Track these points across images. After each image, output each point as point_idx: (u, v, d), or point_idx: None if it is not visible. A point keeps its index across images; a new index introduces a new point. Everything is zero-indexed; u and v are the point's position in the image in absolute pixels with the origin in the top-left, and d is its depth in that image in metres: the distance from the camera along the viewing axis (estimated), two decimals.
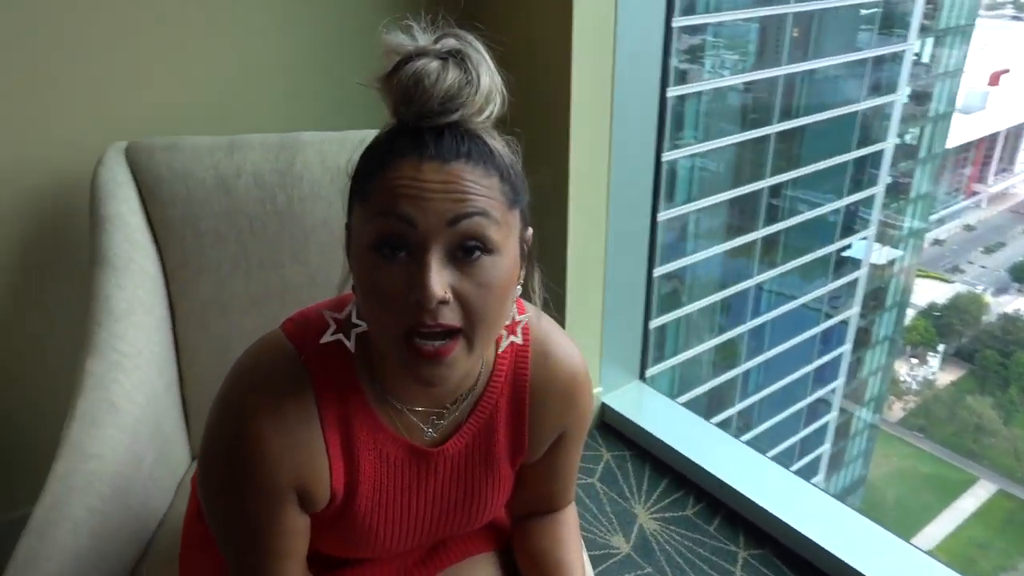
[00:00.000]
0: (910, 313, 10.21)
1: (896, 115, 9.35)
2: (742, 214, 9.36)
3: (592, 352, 1.74)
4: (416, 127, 0.62)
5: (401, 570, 0.89)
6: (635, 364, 1.86)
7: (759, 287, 9.52)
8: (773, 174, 9.16)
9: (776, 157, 9.15)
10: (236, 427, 0.69)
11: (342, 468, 0.73)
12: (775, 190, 9.32)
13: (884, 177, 9.53)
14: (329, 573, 0.85)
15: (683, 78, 8.57)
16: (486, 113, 0.64)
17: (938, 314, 9.92)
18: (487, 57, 0.63)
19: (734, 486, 1.53)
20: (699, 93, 8.77)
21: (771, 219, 9.40)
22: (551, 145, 1.53)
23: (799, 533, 1.43)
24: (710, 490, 1.59)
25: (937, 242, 10.32)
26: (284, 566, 0.75)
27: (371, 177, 0.62)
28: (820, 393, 9.66)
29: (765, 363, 9.39)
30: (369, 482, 0.75)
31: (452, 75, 0.60)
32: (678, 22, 7.72)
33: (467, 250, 0.61)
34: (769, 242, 9.46)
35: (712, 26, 8.92)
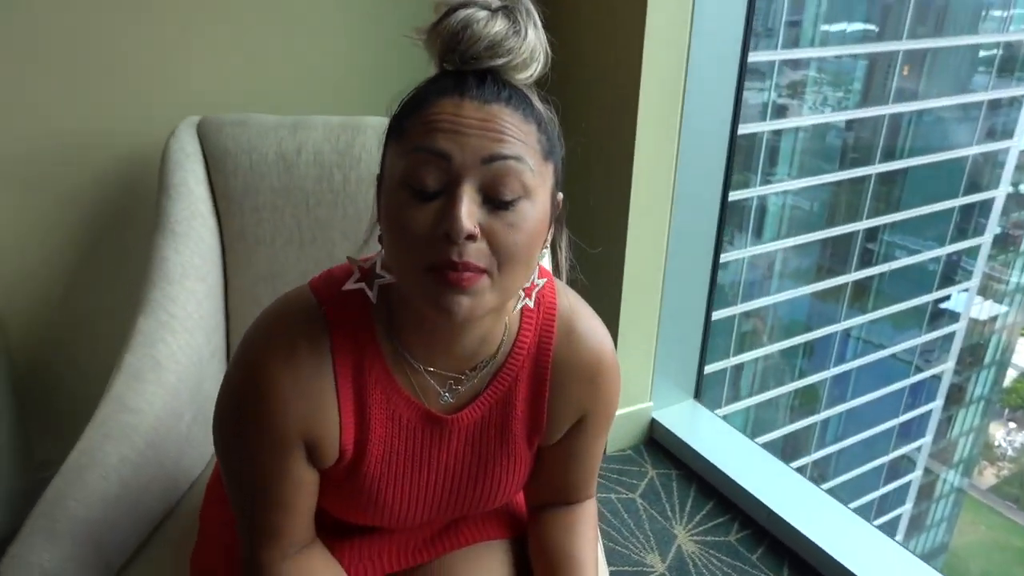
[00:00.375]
0: (1011, 374, 9.59)
1: (1011, 162, 8.84)
2: (834, 256, 9.02)
3: (643, 364, 1.69)
4: (460, 71, 0.62)
5: (410, 546, 0.87)
6: (690, 381, 1.80)
7: (847, 333, 9.13)
8: (870, 217, 8.80)
9: (875, 200, 8.79)
10: (249, 371, 0.70)
11: (352, 425, 0.73)
12: (871, 234, 8.95)
13: (993, 227, 9.02)
14: (338, 540, 0.85)
15: (782, 113, 8.38)
16: (529, 71, 0.64)
17: None
18: (536, 16, 0.63)
19: (782, 515, 1.45)
20: (796, 129, 8.54)
21: (865, 263, 9.02)
22: (614, 164, 1.51)
23: (849, 571, 1.34)
24: (756, 518, 1.51)
25: None
26: (290, 520, 0.74)
27: (409, 114, 0.62)
28: (904, 450, 9.15)
29: (847, 413, 8.98)
30: (379, 443, 0.74)
31: (500, 23, 0.61)
32: (779, 55, 7.56)
33: (500, 191, 0.60)
34: (861, 287, 9.07)
35: (816, 61, 8.69)
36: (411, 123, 0.61)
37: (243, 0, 1.39)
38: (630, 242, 1.55)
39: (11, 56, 1.26)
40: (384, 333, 0.72)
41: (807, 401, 9.02)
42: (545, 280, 0.74)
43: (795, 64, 8.47)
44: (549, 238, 0.69)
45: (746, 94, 1.65)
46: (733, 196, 1.71)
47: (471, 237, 0.59)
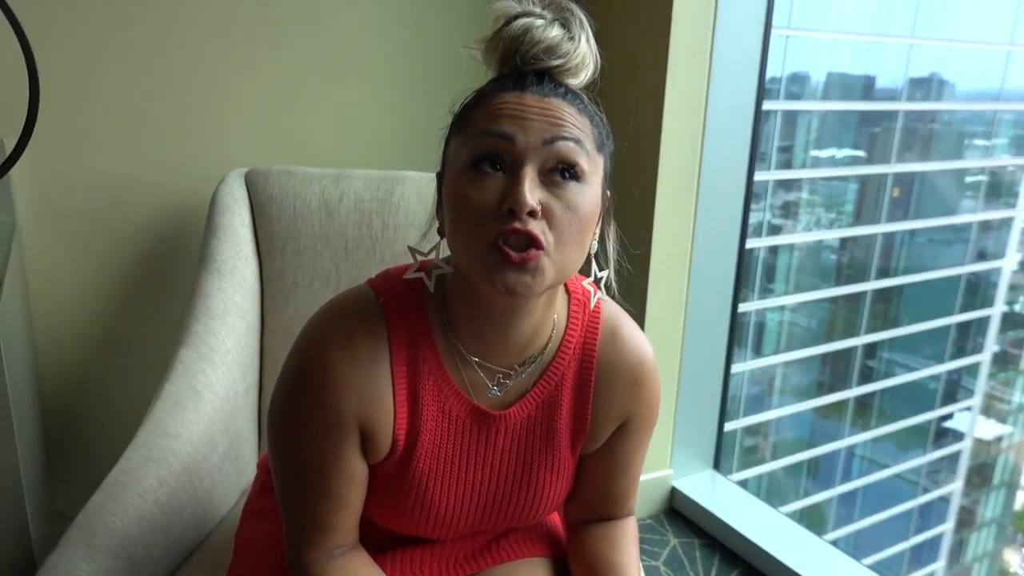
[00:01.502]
0: (1020, 496, 9.35)
1: (1004, 282, 9.02)
2: (834, 373, 9.01)
3: (663, 432, 1.69)
4: (519, 71, 0.69)
5: (451, 560, 0.87)
6: (708, 451, 1.79)
7: (850, 452, 8.99)
8: (868, 334, 8.87)
9: (872, 317, 8.89)
10: (308, 356, 0.72)
11: (405, 415, 0.74)
12: (871, 351, 8.99)
13: (991, 345, 9.07)
14: (380, 553, 0.84)
15: (776, 233, 8.61)
16: (581, 76, 0.71)
17: None
18: (588, 26, 0.71)
19: None
20: (791, 247, 8.75)
21: (865, 381, 9.00)
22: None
23: None
24: None
25: None
26: (339, 515, 0.75)
27: (473, 107, 0.69)
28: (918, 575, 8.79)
29: (856, 535, 8.70)
30: (430, 436, 0.76)
31: (556, 30, 0.68)
32: (772, 175, 7.85)
33: (559, 172, 0.65)
34: (863, 406, 9.01)
35: (807, 183, 9.01)
36: (475, 114, 0.68)
37: (293, 63, 1.50)
38: (649, 308, 1.59)
39: (73, 110, 1.35)
40: (439, 326, 0.75)
41: (814, 522, 8.75)
42: (606, 271, 0.78)
43: (788, 186, 8.77)
44: (598, 231, 0.73)
45: None
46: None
47: (532, 213, 0.63)
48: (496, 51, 0.70)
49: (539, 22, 0.68)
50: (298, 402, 0.73)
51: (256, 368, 1.30)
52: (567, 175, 0.65)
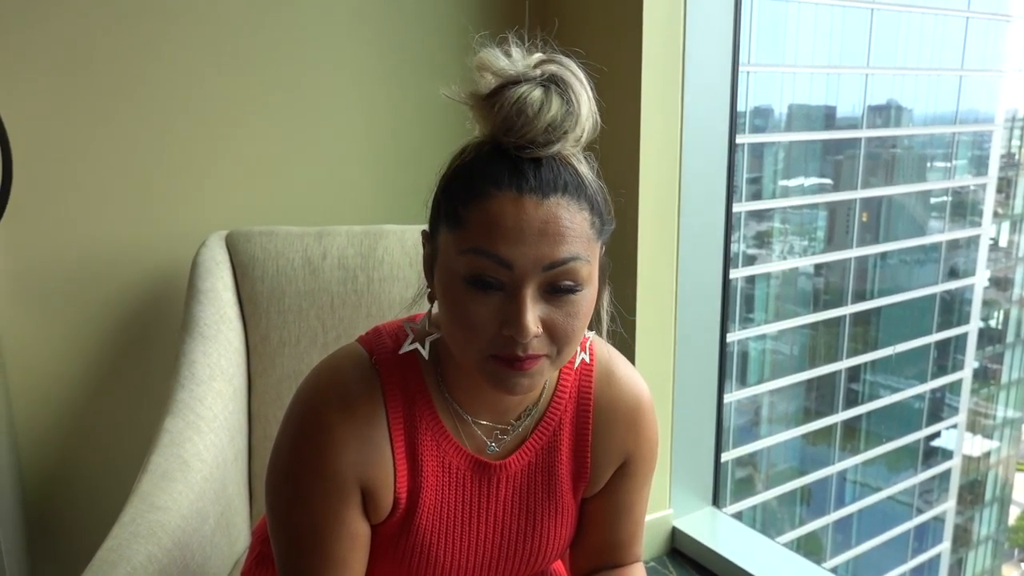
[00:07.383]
0: (1014, 511, 9.36)
1: (977, 299, 9.16)
2: (820, 399, 9.05)
3: (661, 471, 1.68)
4: (515, 159, 0.63)
5: None
6: (707, 488, 1.77)
7: (842, 477, 8.99)
8: (849, 357, 8.94)
9: (852, 341, 8.97)
10: (306, 419, 0.71)
11: (406, 473, 0.73)
12: (854, 374, 9.05)
13: (971, 362, 9.16)
14: None
15: (751, 263, 8.72)
16: (577, 135, 0.65)
17: None
18: (586, 83, 0.64)
19: None
20: (767, 275, 8.86)
21: (851, 404, 9.04)
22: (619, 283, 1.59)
23: None
24: None
25: None
26: None
27: (467, 203, 0.62)
28: None
29: (854, 560, 8.65)
30: (431, 492, 0.74)
31: (555, 105, 0.61)
32: (744, 207, 7.96)
33: (559, 288, 0.63)
34: (851, 429, 9.04)
35: (779, 212, 9.17)
36: (470, 215, 0.62)
37: (269, 122, 1.50)
38: (638, 346, 1.59)
39: (47, 178, 1.34)
40: (433, 384, 0.74)
41: (811, 550, 8.70)
42: (592, 334, 0.78)
43: (760, 216, 8.92)
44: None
45: None
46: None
47: (534, 336, 0.63)
48: (487, 120, 0.63)
49: (536, 95, 0.61)
50: (298, 467, 0.71)
51: (245, 433, 1.27)
52: (566, 290, 0.63)
